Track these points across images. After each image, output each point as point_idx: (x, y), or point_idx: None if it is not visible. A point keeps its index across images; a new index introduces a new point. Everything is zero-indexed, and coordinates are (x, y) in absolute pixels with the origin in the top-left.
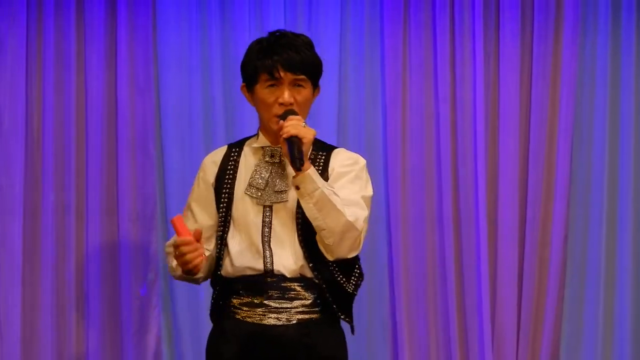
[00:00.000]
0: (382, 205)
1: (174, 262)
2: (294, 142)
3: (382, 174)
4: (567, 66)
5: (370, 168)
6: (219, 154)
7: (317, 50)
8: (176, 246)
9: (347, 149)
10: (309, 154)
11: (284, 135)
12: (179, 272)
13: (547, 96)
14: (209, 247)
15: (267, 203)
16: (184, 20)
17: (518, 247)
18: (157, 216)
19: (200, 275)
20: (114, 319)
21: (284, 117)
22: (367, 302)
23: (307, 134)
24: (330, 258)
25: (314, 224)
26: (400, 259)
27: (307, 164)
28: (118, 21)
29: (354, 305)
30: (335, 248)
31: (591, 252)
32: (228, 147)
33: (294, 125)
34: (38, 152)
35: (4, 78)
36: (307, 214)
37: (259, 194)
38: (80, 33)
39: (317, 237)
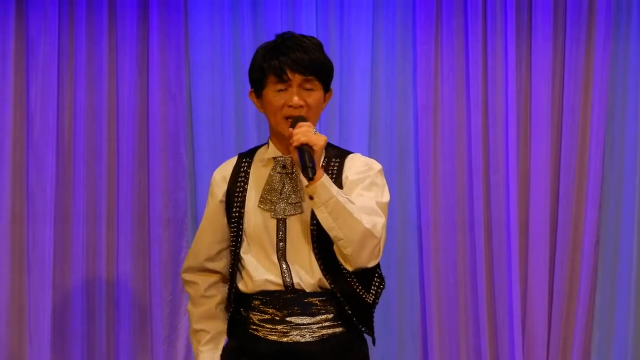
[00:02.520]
0: (414, 210)
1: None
2: (304, 151)
3: (413, 179)
4: (599, 71)
5: (402, 174)
6: (228, 167)
7: (350, 55)
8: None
9: (372, 154)
10: (321, 161)
11: (294, 144)
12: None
13: (579, 101)
14: (217, 265)
15: (281, 216)
16: (215, 24)
17: (549, 252)
18: (187, 221)
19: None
20: (145, 325)
21: (293, 124)
22: (397, 309)
23: (318, 141)
24: (350, 268)
25: (331, 234)
26: (430, 264)
27: (319, 171)
28: (150, 26)
29: (380, 313)
30: (355, 258)
31: (622, 258)
32: (238, 158)
33: (304, 133)
34: (69, 157)
35: (36, 83)
36: (323, 224)
37: (273, 207)
38: (112, 38)
39: (335, 247)
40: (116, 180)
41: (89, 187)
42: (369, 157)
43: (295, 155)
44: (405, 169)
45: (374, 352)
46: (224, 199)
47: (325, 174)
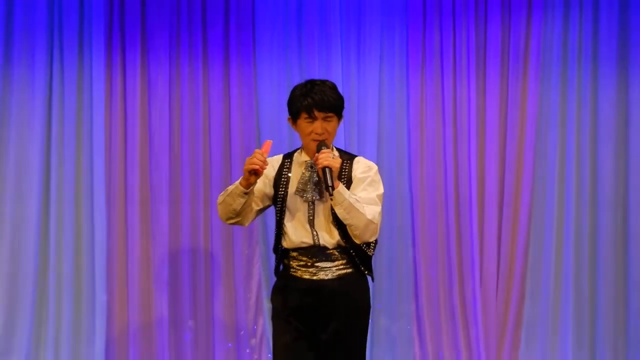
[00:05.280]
0: (407, 191)
1: (236, 188)
2: (326, 171)
3: (406, 171)
4: (532, 98)
5: (399, 167)
6: (277, 162)
7: (363, 87)
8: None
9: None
10: (337, 173)
11: (319, 166)
12: (237, 191)
13: (517, 119)
14: (257, 205)
15: (311, 200)
16: (274, 66)
17: (497, 221)
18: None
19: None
20: (230, 269)
21: (318, 148)
22: (397, 260)
23: (335, 163)
24: (358, 242)
25: (345, 222)
26: (419, 229)
27: (336, 182)
28: (230, 69)
29: (384, 264)
30: (361, 237)
31: (547, 226)
32: (283, 158)
33: (325, 158)
34: (178, 161)
35: (155, 110)
36: (339, 216)
37: (305, 194)
38: (205, 78)
39: (347, 229)
40: (209, 174)
41: (192, 181)
42: (378, 155)
43: (320, 173)
44: (401, 164)
45: (381, 291)
46: (272, 180)
47: (341, 184)
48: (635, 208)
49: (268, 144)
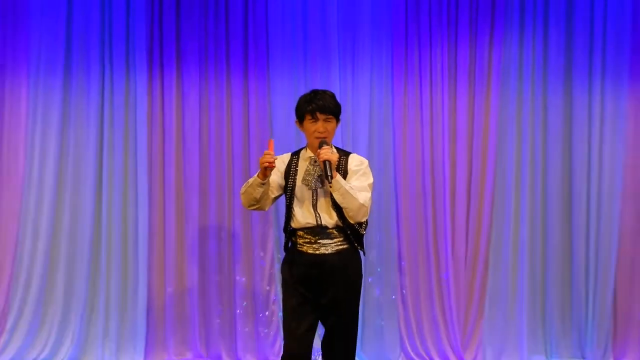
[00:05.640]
0: (392, 183)
1: (254, 180)
2: (326, 163)
3: (392, 166)
4: (494, 110)
5: (386, 162)
6: (287, 158)
7: (357, 97)
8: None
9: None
10: (336, 166)
11: (320, 159)
12: (256, 182)
13: (482, 126)
14: (273, 193)
15: (314, 188)
16: (285, 79)
17: (466, 206)
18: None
19: (267, 195)
20: (249, 246)
21: (320, 145)
22: (384, 237)
23: (334, 157)
24: (352, 222)
25: (341, 205)
26: (402, 216)
27: (334, 173)
28: (249, 81)
29: (375, 238)
30: (354, 217)
31: (507, 209)
32: (291, 155)
33: (326, 153)
34: (206, 155)
35: (189, 114)
36: (337, 200)
37: (309, 183)
38: (228, 89)
39: (343, 210)
40: (232, 166)
41: (218, 174)
42: (369, 151)
43: (322, 166)
44: (387, 159)
45: (372, 266)
46: (283, 173)
47: (338, 174)
48: (578, 196)
49: (271, 142)
